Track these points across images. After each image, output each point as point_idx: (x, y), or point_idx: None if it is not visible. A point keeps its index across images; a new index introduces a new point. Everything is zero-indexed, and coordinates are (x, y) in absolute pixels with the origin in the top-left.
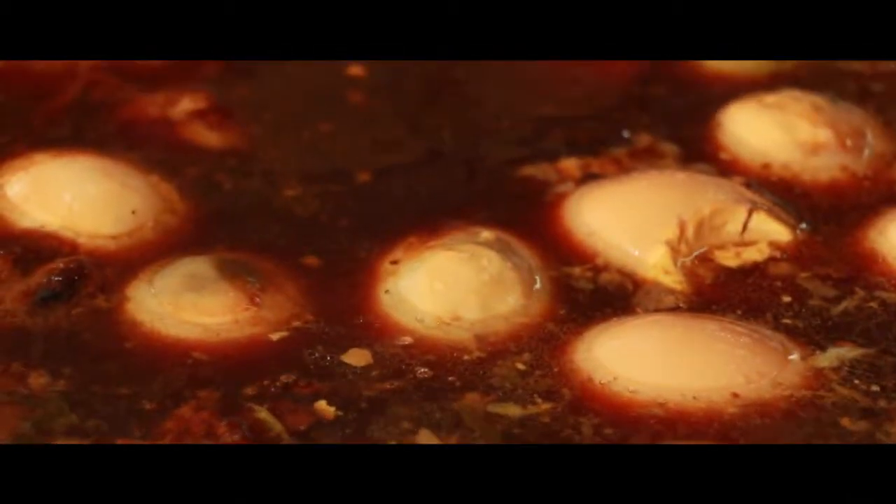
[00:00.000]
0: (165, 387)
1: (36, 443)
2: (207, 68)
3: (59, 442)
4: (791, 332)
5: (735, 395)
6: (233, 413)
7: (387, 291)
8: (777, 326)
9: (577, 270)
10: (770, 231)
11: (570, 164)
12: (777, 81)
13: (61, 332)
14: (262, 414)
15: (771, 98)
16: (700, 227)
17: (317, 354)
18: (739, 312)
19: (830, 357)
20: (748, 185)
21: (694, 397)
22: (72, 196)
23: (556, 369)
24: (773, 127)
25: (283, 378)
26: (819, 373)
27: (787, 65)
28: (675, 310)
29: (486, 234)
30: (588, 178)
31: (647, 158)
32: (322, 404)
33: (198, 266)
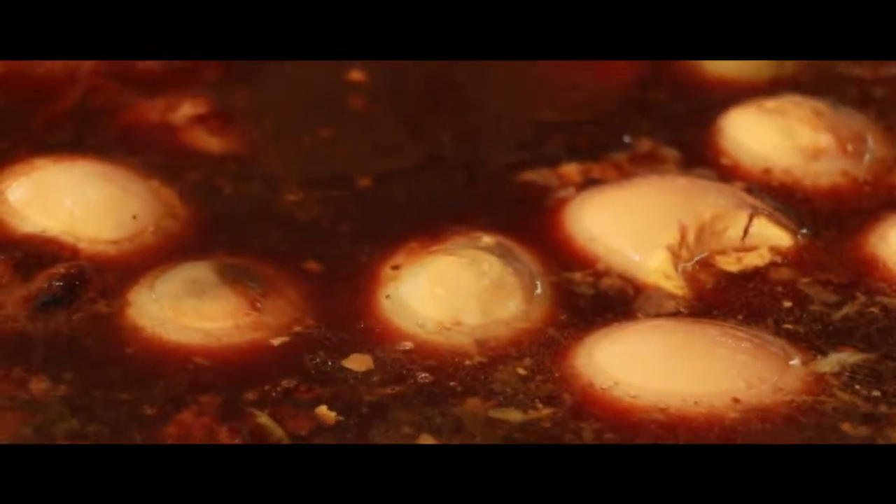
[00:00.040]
0: (166, 392)
1: None
2: (208, 73)
3: None
4: (792, 338)
5: (736, 400)
6: (234, 418)
7: (388, 296)
8: (778, 331)
9: (577, 275)
10: (771, 236)
11: (571, 169)
12: (778, 86)
13: (62, 337)
14: (263, 419)
15: (772, 103)
16: (701, 232)
17: (318, 359)
18: (740, 317)
19: (831, 362)
20: (749, 190)
21: (695, 402)
22: (73, 201)
23: (557, 374)
24: (774, 132)
25: (284, 383)
26: (820, 378)
27: (788, 70)
28: (676, 315)
29: (487, 239)
30: (589, 183)
31: (647, 163)
32: (323, 409)
33: (199, 271)
